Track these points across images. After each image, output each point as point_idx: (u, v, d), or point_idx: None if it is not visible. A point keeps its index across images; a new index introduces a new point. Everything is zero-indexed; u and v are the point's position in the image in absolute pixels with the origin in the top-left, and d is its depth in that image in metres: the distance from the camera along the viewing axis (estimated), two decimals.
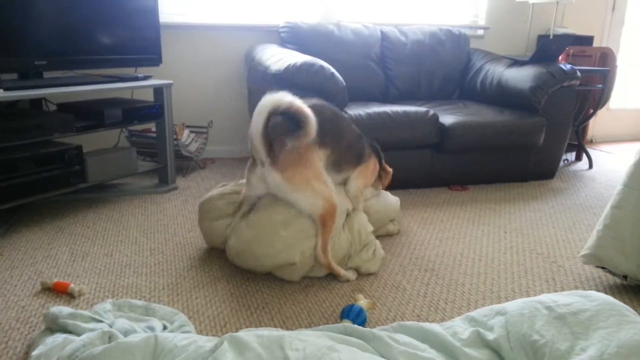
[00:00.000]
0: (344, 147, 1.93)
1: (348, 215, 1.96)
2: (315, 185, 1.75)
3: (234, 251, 1.86)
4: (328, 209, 1.76)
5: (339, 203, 1.83)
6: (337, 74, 2.62)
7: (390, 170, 2.30)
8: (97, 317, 1.41)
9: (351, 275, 1.86)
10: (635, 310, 1.31)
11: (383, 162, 2.22)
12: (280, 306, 1.65)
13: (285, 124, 1.71)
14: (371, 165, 2.09)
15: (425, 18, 3.90)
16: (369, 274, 1.90)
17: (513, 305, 1.43)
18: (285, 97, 1.64)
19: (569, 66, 3.06)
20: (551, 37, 3.92)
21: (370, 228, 1.99)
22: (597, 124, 4.58)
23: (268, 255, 1.76)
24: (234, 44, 3.48)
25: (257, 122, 1.64)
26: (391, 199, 2.28)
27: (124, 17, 2.67)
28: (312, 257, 1.80)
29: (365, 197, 2.12)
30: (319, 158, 1.80)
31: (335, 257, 1.84)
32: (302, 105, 1.65)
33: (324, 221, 1.77)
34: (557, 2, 3.68)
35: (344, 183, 2.01)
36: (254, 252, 1.79)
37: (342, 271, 1.84)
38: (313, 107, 1.72)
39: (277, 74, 2.59)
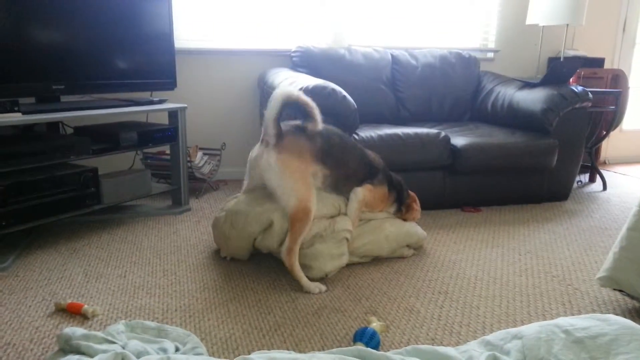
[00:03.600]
0: (343, 173, 2.09)
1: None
2: (298, 181, 1.92)
3: (229, 216, 2.09)
4: (300, 210, 1.90)
5: (318, 211, 1.98)
6: (348, 96, 2.64)
7: (417, 207, 2.31)
8: (110, 338, 1.41)
9: (313, 287, 1.90)
10: None
11: (407, 198, 2.32)
12: (292, 328, 1.64)
13: (300, 125, 1.98)
14: (378, 190, 2.17)
15: (436, 42, 3.93)
16: (326, 276, 1.98)
17: (530, 329, 1.40)
18: (295, 91, 1.91)
19: (580, 88, 3.06)
20: (562, 59, 3.94)
21: (348, 226, 2.05)
22: (610, 146, 4.55)
23: (253, 215, 2.01)
24: (247, 68, 3.53)
25: (273, 108, 1.88)
26: (414, 229, 2.28)
27: (139, 43, 2.73)
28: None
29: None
30: (313, 171, 1.98)
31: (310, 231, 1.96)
32: (307, 98, 1.93)
33: (293, 221, 1.90)
34: (567, 24, 3.70)
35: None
36: (244, 213, 2.04)
37: (304, 279, 1.91)
38: (325, 133, 1.97)
39: None
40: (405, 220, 2.30)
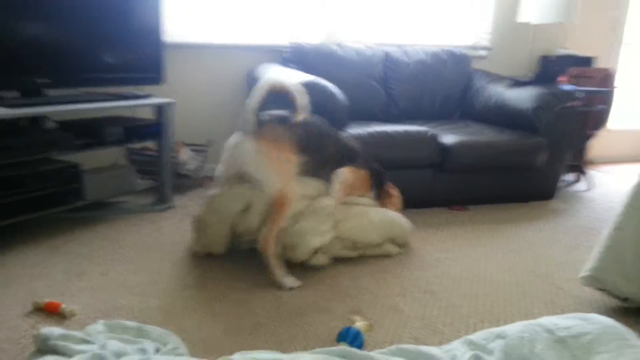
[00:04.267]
0: (322, 158, 2.15)
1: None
2: (277, 167, 1.96)
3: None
4: (280, 197, 1.93)
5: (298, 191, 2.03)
6: (338, 93, 2.63)
7: (395, 193, 2.33)
8: (88, 338, 1.39)
9: (287, 281, 1.90)
10: (637, 334, 1.28)
11: (386, 184, 2.38)
12: (275, 328, 1.63)
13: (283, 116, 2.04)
14: (359, 173, 2.26)
15: (429, 39, 3.92)
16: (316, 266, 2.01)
17: (513, 329, 1.40)
18: (281, 80, 1.98)
19: (570, 87, 3.06)
20: (553, 58, 3.94)
21: (329, 202, 2.08)
22: (596, 145, 4.57)
23: (233, 194, 2.06)
24: (236, 63, 3.49)
25: (257, 97, 1.93)
26: (399, 220, 2.29)
27: (127, 36, 2.68)
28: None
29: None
30: (294, 158, 2.02)
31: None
32: (296, 86, 2.00)
33: (274, 205, 1.93)
34: (560, 23, 3.70)
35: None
36: (224, 195, 2.10)
37: (278, 270, 1.91)
38: (302, 123, 2.02)
39: None
40: (384, 206, 2.33)
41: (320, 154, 2.15)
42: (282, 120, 2.03)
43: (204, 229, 2.14)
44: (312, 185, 2.14)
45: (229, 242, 2.15)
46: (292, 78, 2.61)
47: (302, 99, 2.01)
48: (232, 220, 2.08)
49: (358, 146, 2.33)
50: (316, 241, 1.99)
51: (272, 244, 1.92)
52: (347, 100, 2.66)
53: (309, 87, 2.53)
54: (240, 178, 2.08)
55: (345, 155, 2.24)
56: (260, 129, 1.98)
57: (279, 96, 2.01)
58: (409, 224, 2.30)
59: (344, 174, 2.19)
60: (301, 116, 2.01)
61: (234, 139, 2.08)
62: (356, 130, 2.73)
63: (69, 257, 2.13)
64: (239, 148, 2.02)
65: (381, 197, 2.36)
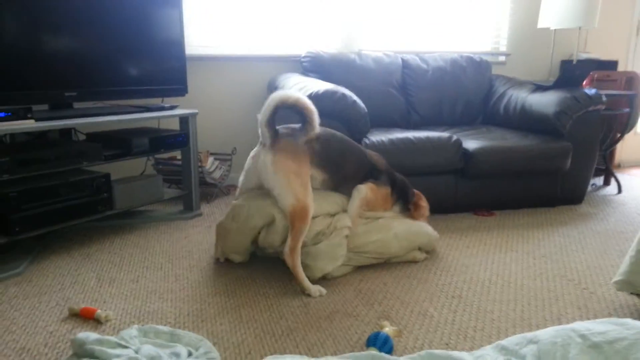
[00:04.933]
0: (343, 176, 2.13)
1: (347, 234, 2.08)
2: (293, 180, 1.93)
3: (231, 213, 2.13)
4: (298, 209, 1.91)
5: (320, 208, 2.03)
6: (358, 100, 2.64)
7: (423, 204, 2.32)
8: (123, 343, 1.42)
9: (314, 290, 1.90)
10: None
11: (412, 197, 2.34)
12: (305, 333, 1.63)
13: (297, 127, 2.00)
14: (381, 191, 2.20)
15: (447, 46, 3.92)
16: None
17: (545, 334, 1.38)
18: (293, 94, 1.92)
19: (593, 90, 3.03)
20: (574, 62, 3.91)
21: (348, 223, 2.06)
22: (624, 148, 4.50)
23: (256, 207, 2.04)
24: (257, 74, 3.54)
25: (266, 111, 1.90)
26: (426, 230, 2.27)
27: (151, 50, 2.74)
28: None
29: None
30: (309, 170, 1.99)
31: (310, 230, 1.97)
32: (307, 101, 1.93)
33: (293, 220, 1.92)
34: (580, 27, 3.67)
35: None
36: (247, 206, 2.07)
37: (305, 281, 1.91)
38: (323, 136, 1.99)
39: None
40: (414, 219, 2.30)
41: (342, 168, 2.12)
42: (300, 133, 2.00)
43: (224, 235, 2.17)
44: (334, 200, 2.12)
45: (249, 252, 2.18)
46: (309, 88, 2.64)
47: (314, 113, 1.96)
48: (253, 233, 2.09)
49: (382, 160, 2.29)
50: (328, 267, 1.99)
51: (297, 256, 1.92)
52: (367, 108, 2.67)
53: (330, 95, 2.56)
54: (261, 188, 2.09)
55: (368, 170, 2.20)
56: (278, 141, 1.95)
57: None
58: (435, 232, 2.29)
59: (364, 192, 2.14)
60: (313, 129, 1.97)
61: (253, 151, 2.10)
62: (378, 137, 2.74)
63: (101, 264, 2.17)
64: (258, 160, 2.02)
65: (410, 210, 2.32)
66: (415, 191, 2.38)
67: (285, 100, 1.90)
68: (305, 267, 1.96)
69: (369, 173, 2.20)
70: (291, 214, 1.92)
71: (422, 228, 2.26)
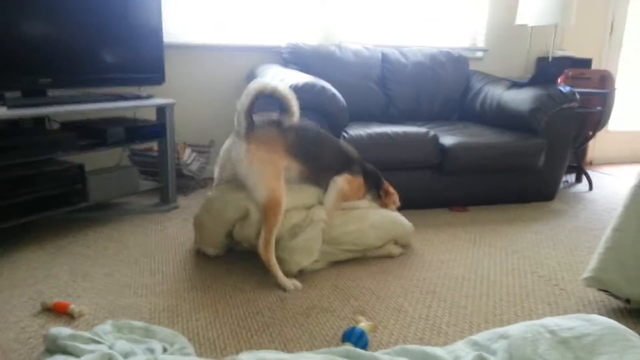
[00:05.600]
0: (318, 167, 2.13)
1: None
2: (267, 171, 1.94)
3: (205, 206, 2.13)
4: (271, 201, 1.92)
5: (296, 200, 2.04)
6: (338, 94, 2.64)
7: (392, 191, 2.34)
8: (96, 338, 1.40)
9: (289, 284, 1.91)
10: (639, 335, 1.30)
11: (382, 184, 2.36)
12: (281, 328, 1.64)
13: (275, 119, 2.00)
14: (355, 180, 2.22)
15: (426, 40, 3.94)
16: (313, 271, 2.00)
17: (516, 329, 1.42)
18: (272, 82, 1.94)
19: (568, 88, 3.09)
20: (550, 59, 3.97)
21: (323, 215, 2.06)
22: (596, 146, 4.60)
23: (230, 200, 2.03)
24: (236, 64, 3.51)
25: (245, 99, 1.91)
26: (400, 220, 2.30)
27: (128, 37, 2.69)
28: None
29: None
30: (285, 164, 2.00)
31: (286, 223, 1.99)
32: (286, 89, 1.96)
33: (265, 211, 1.93)
34: (556, 25, 3.73)
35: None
36: (220, 199, 2.07)
37: (281, 275, 1.92)
38: (298, 127, 1.99)
39: None
40: (385, 206, 2.34)
41: (318, 159, 2.13)
42: (275, 124, 2.01)
43: (199, 228, 2.17)
44: (310, 192, 2.13)
45: (225, 246, 2.17)
46: (288, 79, 2.63)
47: (293, 102, 1.98)
48: (227, 226, 2.08)
49: (353, 150, 2.32)
50: (304, 261, 1.99)
51: (270, 250, 1.93)
52: (346, 102, 2.68)
53: (309, 87, 2.56)
54: (236, 180, 2.08)
55: (343, 161, 2.22)
56: (252, 131, 1.96)
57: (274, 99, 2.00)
58: (410, 223, 2.32)
59: (340, 184, 2.15)
60: (294, 119, 1.99)
61: (227, 142, 2.09)
62: (356, 131, 2.75)
63: (74, 258, 2.14)
64: (232, 150, 2.02)
65: (381, 197, 2.36)
66: (384, 180, 2.41)
67: (265, 89, 1.92)
68: (281, 261, 1.96)
69: (344, 163, 2.22)
70: (264, 206, 1.93)
71: (397, 217, 2.29)
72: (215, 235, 2.12)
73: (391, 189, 2.39)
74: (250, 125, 1.96)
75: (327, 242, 2.08)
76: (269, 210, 1.92)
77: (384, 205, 2.35)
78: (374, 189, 2.35)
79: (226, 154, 2.09)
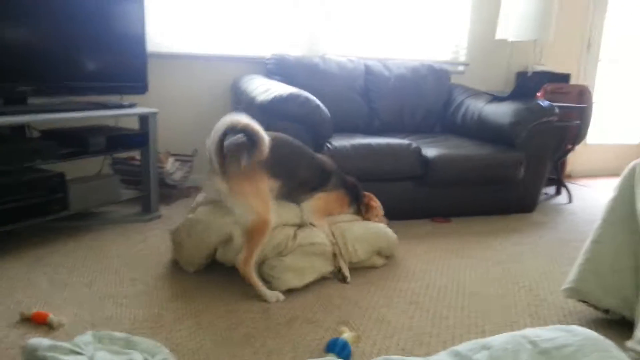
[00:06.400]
0: (296, 182, 2.11)
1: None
2: (251, 200, 1.92)
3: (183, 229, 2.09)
4: (257, 224, 1.91)
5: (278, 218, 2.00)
6: (322, 105, 2.66)
7: (375, 204, 2.35)
8: (77, 349, 1.38)
9: (270, 295, 1.90)
10: (618, 345, 1.33)
11: (363, 197, 2.36)
12: (264, 339, 1.63)
13: (244, 142, 1.90)
14: (333, 196, 2.22)
15: (409, 53, 3.99)
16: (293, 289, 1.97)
17: (497, 340, 1.43)
18: (242, 119, 1.85)
19: (547, 102, 3.15)
20: (529, 74, 4.04)
21: (315, 239, 2.05)
22: (575, 159, 4.69)
23: (213, 226, 2.00)
24: (220, 74, 3.51)
25: (214, 137, 1.86)
26: (384, 231, 2.30)
27: (111, 45, 2.68)
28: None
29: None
30: (267, 184, 1.98)
31: (270, 243, 1.97)
32: (257, 127, 1.86)
33: (250, 234, 1.91)
34: (535, 40, 3.80)
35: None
36: (204, 223, 2.03)
37: (261, 288, 1.91)
38: (273, 141, 1.92)
39: (263, 105, 2.61)
40: (368, 219, 2.33)
41: (294, 174, 2.10)
42: (246, 150, 1.88)
43: (178, 248, 2.14)
44: (291, 210, 2.11)
45: (204, 265, 2.13)
46: (277, 90, 2.63)
47: (262, 139, 1.86)
48: (208, 250, 2.06)
49: (331, 162, 2.30)
50: (294, 281, 1.97)
51: (251, 267, 1.91)
52: (330, 113, 2.69)
53: (293, 98, 2.57)
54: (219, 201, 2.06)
55: (319, 176, 2.20)
56: (228, 168, 1.90)
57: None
58: (394, 234, 2.33)
59: (311, 206, 2.14)
60: (261, 155, 1.87)
61: (209, 173, 2.01)
62: (340, 142, 2.76)
63: (53, 267, 2.11)
64: (213, 184, 1.98)
65: (362, 211, 2.35)
66: (366, 193, 2.40)
67: (235, 125, 1.84)
68: (271, 279, 1.96)
69: (321, 177, 2.20)
70: (250, 227, 1.91)
71: (381, 230, 2.29)
72: (195, 256, 2.09)
73: (373, 202, 2.39)
74: (225, 161, 1.90)
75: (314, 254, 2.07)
76: (255, 231, 1.90)
77: (366, 218, 2.35)
78: (354, 203, 2.33)
79: (210, 183, 2.05)
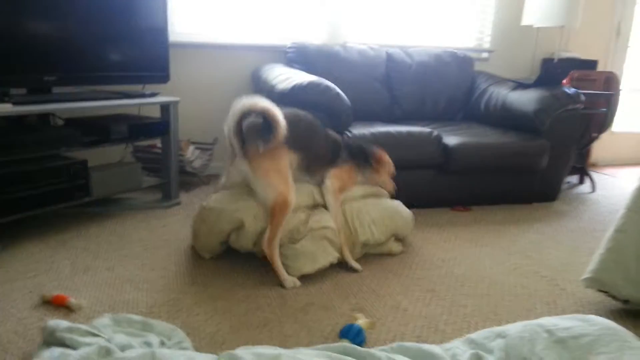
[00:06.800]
0: (313, 155, 2.13)
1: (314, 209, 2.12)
2: (273, 178, 1.95)
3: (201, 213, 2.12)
4: (279, 202, 1.93)
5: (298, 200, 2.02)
6: (342, 93, 2.64)
7: (385, 159, 2.33)
8: (94, 331, 1.41)
9: (289, 281, 1.92)
10: (637, 336, 1.30)
11: (373, 154, 2.31)
12: (280, 325, 1.65)
13: (262, 124, 1.91)
14: (345, 170, 2.21)
15: (431, 40, 3.93)
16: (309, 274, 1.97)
17: (513, 328, 1.42)
18: (260, 102, 1.88)
19: (573, 90, 3.07)
20: (555, 61, 3.95)
21: (327, 223, 2.05)
22: (600, 148, 4.58)
23: (225, 212, 2.02)
24: (241, 63, 3.52)
25: (231, 120, 1.90)
26: (401, 210, 2.28)
27: (134, 35, 2.71)
28: (261, 222, 2.00)
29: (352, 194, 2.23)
30: (288, 160, 2.01)
31: (285, 228, 1.98)
32: (275, 111, 1.88)
33: (273, 212, 1.94)
34: (562, 26, 3.71)
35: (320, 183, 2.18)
36: (216, 210, 2.05)
37: (282, 271, 1.93)
38: (289, 117, 1.94)
39: (283, 93, 2.61)
40: (380, 176, 2.31)
41: (311, 147, 2.11)
42: (264, 133, 1.90)
43: (194, 235, 2.18)
44: (307, 192, 2.12)
45: (220, 251, 2.16)
46: (298, 78, 2.63)
47: (279, 123, 1.88)
48: (221, 237, 2.08)
49: (337, 135, 2.31)
50: (307, 267, 1.98)
51: (274, 246, 1.94)
52: (350, 101, 2.68)
53: (313, 86, 2.56)
54: (239, 186, 2.10)
55: (333, 150, 2.20)
56: (248, 150, 1.92)
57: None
58: (409, 212, 2.30)
59: (332, 185, 2.13)
60: (278, 139, 1.89)
61: (230, 157, 2.04)
62: (360, 130, 2.75)
63: (76, 252, 2.16)
64: (237, 167, 2.01)
65: (372, 172, 2.30)
66: (375, 149, 2.34)
67: (252, 109, 1.88)
68: (284, 266, 1.97)
69: (334, 151, 2.20)
70: (272, 206, 1.94)
71: (397, 209, 2.27)
72: (209, 243, 2.13)
73: (385, 157, 2.34)
74: (244, 143, 1.92)
75: (331, 240, 2.07)
76: (277, 209, 1.93)
77: (378, 178, 2.31)
78: (363, 164, 2.28)
79: (233, 167, 2.06)
